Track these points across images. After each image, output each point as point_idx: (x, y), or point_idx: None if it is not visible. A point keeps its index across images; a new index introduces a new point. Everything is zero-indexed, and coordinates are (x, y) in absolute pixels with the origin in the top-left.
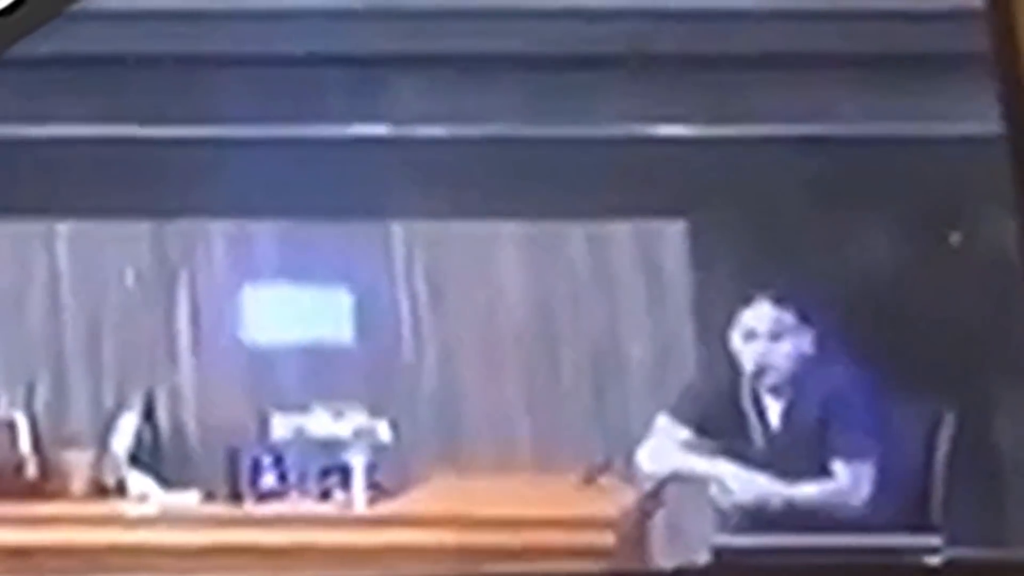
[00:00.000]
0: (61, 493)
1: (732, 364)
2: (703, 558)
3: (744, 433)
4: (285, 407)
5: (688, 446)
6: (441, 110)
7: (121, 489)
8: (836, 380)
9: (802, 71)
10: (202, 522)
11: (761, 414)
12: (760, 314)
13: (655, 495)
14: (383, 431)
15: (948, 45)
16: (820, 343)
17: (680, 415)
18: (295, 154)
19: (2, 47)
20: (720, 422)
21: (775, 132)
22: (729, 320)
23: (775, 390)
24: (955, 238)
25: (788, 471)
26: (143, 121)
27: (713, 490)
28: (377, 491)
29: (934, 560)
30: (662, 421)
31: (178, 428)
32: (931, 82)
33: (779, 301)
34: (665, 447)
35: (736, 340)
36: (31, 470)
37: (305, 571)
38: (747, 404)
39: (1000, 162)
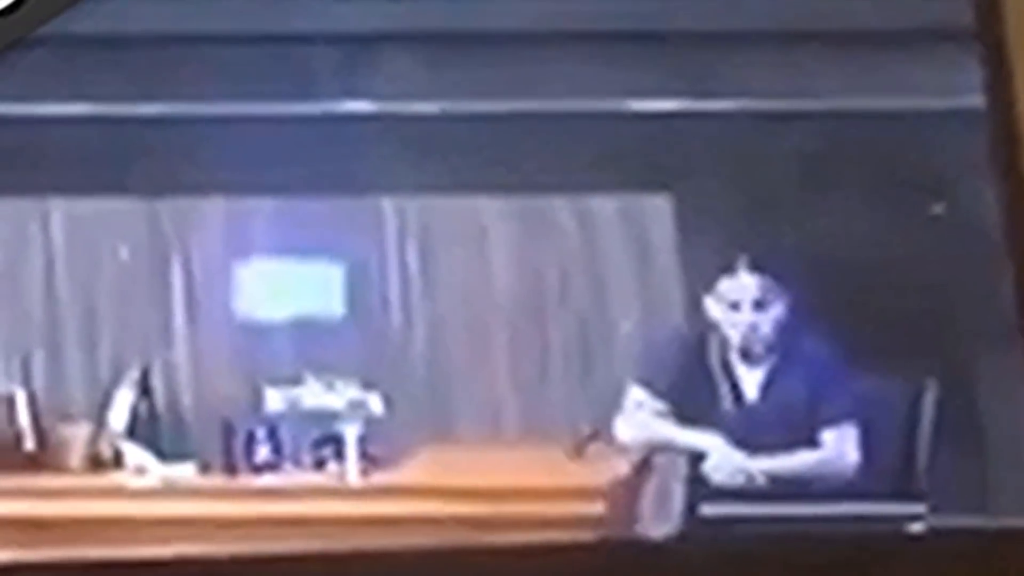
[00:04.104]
0: (60, 466)
1: (713, 334)
2: (691, 528)
3: (726, 404)
4: (278, 381)
5: (669, 417)
6: (431, 86)
7: (118, 462)
8: (819, 350)
9: (785, 46)
10: (199, 494)
11: (742, 385)
12: (743, 283)
13: (644, 465)
14: (375, 403)
15: (929, 19)
16: (803, 313)
17: (656, 386)
18: (287, 131)
19: (2, 47)
20: (703, 393)
21: (759, 106)
22: (709, 287)
23: (758, 360)
24: (937, 209)
25: (770, 441)
26: (136, 100)
27: (699, 460)
28: (370, 463)
29: (918, 528)
30: (637, 393)
31: (174, 402)
32: (912, 56)
33: (760, 270)
34: (645, 418)
35: (715, 308)
36: (29, 443)
37: (300, 541)
38: (727, 375)
39: (980, 134)
